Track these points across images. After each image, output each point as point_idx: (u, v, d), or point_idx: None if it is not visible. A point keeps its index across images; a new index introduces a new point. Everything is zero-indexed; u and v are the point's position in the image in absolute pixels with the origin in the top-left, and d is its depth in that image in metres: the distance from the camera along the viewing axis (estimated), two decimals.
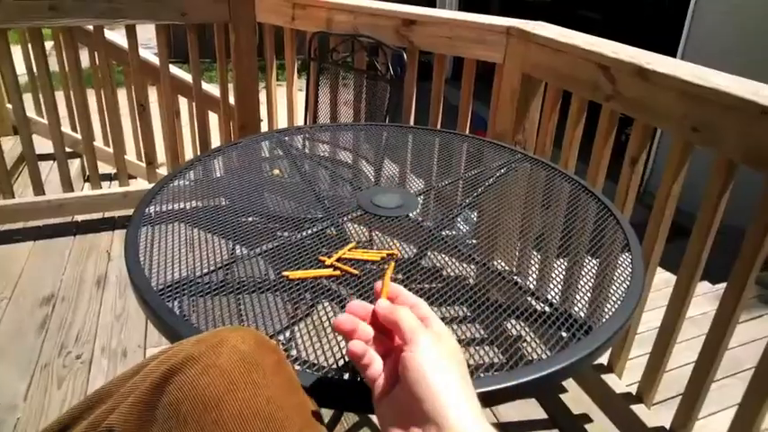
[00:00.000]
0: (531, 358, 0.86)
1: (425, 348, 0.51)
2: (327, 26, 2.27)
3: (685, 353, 1.66)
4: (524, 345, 0.92)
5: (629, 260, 1.04)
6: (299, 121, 2.52)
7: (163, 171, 2.90)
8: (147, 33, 2.65)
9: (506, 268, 1.34)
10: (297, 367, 0.83)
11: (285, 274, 0.96)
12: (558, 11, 10.35)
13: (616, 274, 1.03)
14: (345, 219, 1.17)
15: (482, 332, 0.97)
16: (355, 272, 0.94)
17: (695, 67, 1.41)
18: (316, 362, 0.88)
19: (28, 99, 2.87)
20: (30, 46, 2.60)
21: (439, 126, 2.21)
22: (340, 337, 0.92)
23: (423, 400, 0.48)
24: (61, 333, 1.95)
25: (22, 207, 2.48)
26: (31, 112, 3.05)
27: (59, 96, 2.58)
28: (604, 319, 0.89)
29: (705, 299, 2.41)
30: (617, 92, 1.54)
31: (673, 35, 6.11)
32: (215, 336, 0.62)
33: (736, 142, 1.27)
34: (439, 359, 0.51)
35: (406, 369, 0.50)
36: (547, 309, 0.97)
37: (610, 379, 1.72)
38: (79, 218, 2.65)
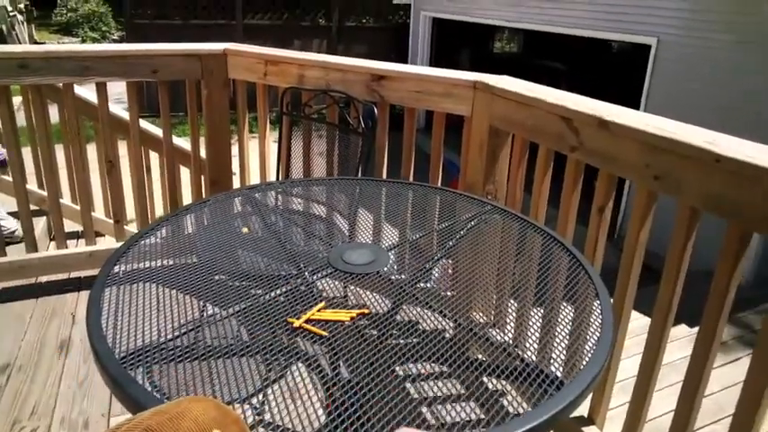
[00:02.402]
0: (508, 413, 0.84)
1: None
2: (299, 82, 2.31)
3: (668, 399, 1.64)
4: (502, 400, 0.90)
5: (599, 311, 1.04)
6: (272, 173, 2.53)
7: (132, 228, 2.85)
8: (117, 87, 2.66)
9: (482, 320, 1.33)
10: None
11: (290, 320, 0.93)
12: (525, 62, 10.81)
13: (588, 324, 1.03)
14: (316, 276, 1.15)
15: (459, 388, 0.95)
16: (324, 333, 0.92)
17: (653, 117, 1.46)
18: (290, 426, 0.84)
19: None
20: None
21: (412, 174, 2.23)
22: (316, 400, 0.89)
23: None
24: (15, 406, 1.83)
25: None
26: None
27: (26, 152, 2.54)
28: (577, 372, 0.88)
29: (686, 342, 2.42)
30: (581, 143, 1.58)
31: (636, 85, 6.40)
32: (176, 406, 0.60)
33: (697, 190, 1.30)
34: None
35: None
36: (519, 364, 0.95)
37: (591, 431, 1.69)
38: (43, 278, 2.56)
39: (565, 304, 1.15)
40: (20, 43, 12.09)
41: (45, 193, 2.66)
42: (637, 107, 5.56)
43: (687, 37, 5.80)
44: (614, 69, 8.78)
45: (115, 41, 14.87)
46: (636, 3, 6.22)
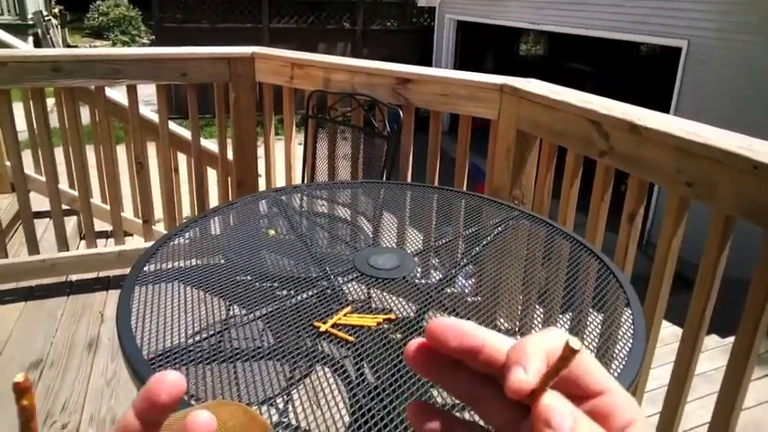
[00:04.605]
0: None
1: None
2: (325, 85, 2.32)
3: (699, 412, 1.60)
4: None
5: (631, 321, 1.01)
6: (298, 175, 2.54)
7: (160, 228, 2.89)
8: (147, 89, 2.71)
9: (509, 327, 1.31)
10: None
11: (316, 324, 0.94)
12: (552, 65, 10.69)
13: (618, 335, 1.00)
14: (342, 280, 1.15)
15: None
16: (350, 338, 0.92)
17: (686, 122, 1.43)
18: (316, 430, 0.84)
19: (27, 156, 2.90)
20: (31, 103, 2.64)
21: (437, 178, 2.22)
22: (340, 400, 0.89)
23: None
24: (47, 401, 1.88)
25: (14, 267, 2.45)
26: (29, 169, 3.08)
27: (59, 153, 2.60)
28: None
29: (717, 353, 2.36)
30: (611, 147, 1.55)
31: (665, 88, 6.28)
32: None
33: (732, 197, 1.26)
34: None
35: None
36: None
37: None
38: (73, 277, 2.62)
39: (594, 312, 1.13)
40: (54, 46, 12.44)
41: (76, 193, 2.73)
42: (666, 111, 5.44)
43: (720, 39, 5.66)
44: (643, 72, 8.63)
45: (145, 45, 15.17)
46: (666, 5, 6.10)
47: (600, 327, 1.07)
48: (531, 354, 0.27)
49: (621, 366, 0.89)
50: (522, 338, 0.29)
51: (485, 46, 10.97)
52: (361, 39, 11.88)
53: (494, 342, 0.29)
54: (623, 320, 1.03)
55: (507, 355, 0.28)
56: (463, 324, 0.30)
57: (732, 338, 1.33)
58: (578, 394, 0.29)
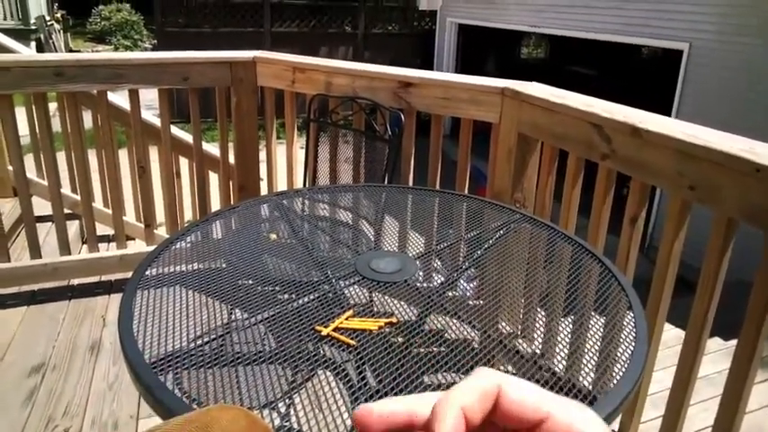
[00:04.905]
0: None
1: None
2: (327, 89, 2.32)
3: (702, 415, 1.60)
4: None
5: (633, 324, 1.01)
6: (299, 179, 2.54)
7: (161, 232, 2.89)
8: (149, 94, 2.72)
9: (510, 331, 1.31)
10: None
11: (318, 328, 0.94)
12: (553, 68, 10.70)
13: (620, 338, 1.00)
14: (343, 284, 1.15)
15: None
16: (352, 342, 0.92)
17: (688, 125, 1.43)
18: None
19: (29, 159, 2.90)
20: (34, 108, 2.65)
21: (438, 181, 2.22)
22: (341, 404, 0.89)
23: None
24: (49, 404, 1.88)
25: (16, 271, 2.45)
26: (31, 173, 3.08)
27: (61, 157, 2.60)
28: (610, 386, 0.86)
29: (720, 356, 2.35)
30: (612, 151, 1.55)
31: (667, 91, 6.27)
32: (205, 415, 0.60)
33: (734, 200, 1.26)
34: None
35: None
36: (549, 377, 0.94)
37: None
38: (75, 281, 2.62)
39: (596, 315, 1.13)
40: (56, 51, 12.48)
41: (78, 197, 2.73)
42: (668, 114, 5.44)
43: (720, 42, 5.66)
44: (645, 75, 8.64)
45: (147, 49, 15.21)
46: (667, 8, 6.10)
47: (602, 330, 1.06)
48: (442, 415, 0.28)
49: (624, 369, 0.89)
50: (441, 396, 0.29)
51: (486, 49, 10.99)
52: (363, 43, 11.90)
53: (423, 410, 0.29)
54: (625, 323, 1.03)
55: (428, 419, 0.28)
56: (388, 404, 0.30)
57: (735, 341, 1.33)
58: (521, 428, 0.29)
